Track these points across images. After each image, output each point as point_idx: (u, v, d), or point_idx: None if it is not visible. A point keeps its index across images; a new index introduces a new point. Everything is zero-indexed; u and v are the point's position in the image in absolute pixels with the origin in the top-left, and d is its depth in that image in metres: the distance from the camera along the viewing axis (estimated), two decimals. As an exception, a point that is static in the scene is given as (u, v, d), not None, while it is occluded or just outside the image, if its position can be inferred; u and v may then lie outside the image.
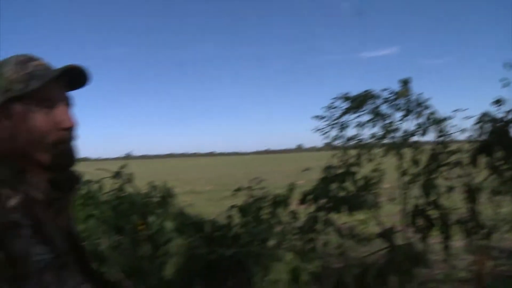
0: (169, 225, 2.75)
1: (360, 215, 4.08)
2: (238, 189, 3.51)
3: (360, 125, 3.83)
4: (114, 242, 2.73)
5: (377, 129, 3.82)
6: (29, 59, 1.10)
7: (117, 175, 2.93)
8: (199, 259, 2.75)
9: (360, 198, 3.50)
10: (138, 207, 2.89)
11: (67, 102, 1.11)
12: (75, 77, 1.11)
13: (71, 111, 1.11)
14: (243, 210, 3.35)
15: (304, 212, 3.77)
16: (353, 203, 3.51)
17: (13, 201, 1.03)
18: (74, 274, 1.17)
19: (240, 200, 3.51)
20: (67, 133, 1.08)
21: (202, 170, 34.96)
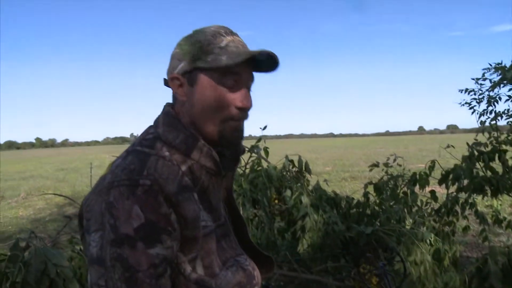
0: (305, 200, 2.71)
1: (506, 198, 3.73)
2: (374, 165, 3.37)
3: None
4: (250, 214, 2.77)
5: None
6: (226, 32, 1.11)
7: (253, 149, 2.96)
8: (336, 236, 2.69)
9: (510, 180, 3.16)
10: (274, 181, 2.90)
11: (249, 83, 1.13)
12: (265, 62, 1.11)
13: (250, 93, 1.13)
14: (379, 188, 3.23)
15: (443, 193, 3.53)
16: (501, 185, 3.18)
17: (184, 167, 1.07)
18: (233, 245, 1.19)
19: (362, 180, 3.38)
20: (240, 112, 1.10)
21: (321, 151, 34.88)
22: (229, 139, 1.13)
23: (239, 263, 1.17)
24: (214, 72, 1.06)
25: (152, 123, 1.17)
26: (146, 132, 1.13)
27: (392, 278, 1.89)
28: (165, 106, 1.16)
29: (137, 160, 1.01)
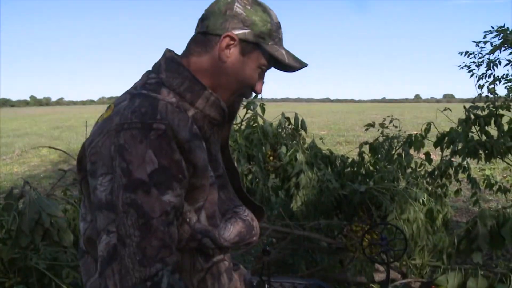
0: (300, 157, 2.72)
1: (500, 164, 3.76)
2: (370, 125, 3.36)
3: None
4: (245, 170, 2.78)
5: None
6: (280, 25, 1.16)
7: (249, 105, 2.94)
8: (330, 193, 2.71)
9: (504, 144, 3.16)
10: (269, 137, 2.90)
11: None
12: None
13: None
14: (374, 148, 3.23)
15: (437, 159, 3.54)
16: (495, 149, 3.19)
17: (189, 113, 1.07)
18: (231, 196, 1.23)
19: (357, 145, 3.38)
20: (249, 93, 1.18)
21: (316, 115, 34.86)
22: (234, 110, 1.23)
23: (238, 215, 1.20)
24: (263, 55, 1.11)
25: (150, 69, 1.15)
26: (147, 77, 1.11)
27: (393, 253, 1.91)
28: (166, 52, 1.14)
29: (147, 103, 0.99)
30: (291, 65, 1.12)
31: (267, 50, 1.10)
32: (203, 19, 1.11)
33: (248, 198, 1.32)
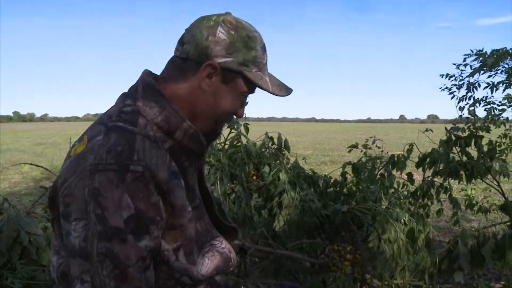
0: (283, 176, 2.72)
1: (481, 185, 3.80)
2: (353, 146, 3.39)
3: (492, 86, 3.48)
4: (228, 189, 2.77)
5: (511, 91, 3.46)
6: (265, 47, 1.11)
7: (232, 125, 2.94)
8: (312, 213, 2.71)
9: (485, 165, 3.20)
10: (252, 157, 2.90)
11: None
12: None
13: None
14: (357, 168, 3.25)
15: (420, 179, 3.58)
16: (476, 170, 3.23)
17: (167, 144, 1.04)
18: (207, 227, 1.19)
19: (340, 163, 3.40)
20: (231, 118, 1.16)
21: (302, 135, 35.02)
22: (216, 134, 1.21)
23: (215, 248, 1.18)
24: (246, 84, 1.08)
25: (125, 91, 1.10)
26: (122, 103, 1.06)
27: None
28: (144, 76, 1.10)
29: (123, 140, 0.94)
30: (275, 93, 1.08)
31: (250, 78, 1.06)
32: (183, 43, 1.07)
33: (220, 220, 1.29)
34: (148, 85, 1.06)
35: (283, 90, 1.11)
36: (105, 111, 1.08)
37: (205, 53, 1.03)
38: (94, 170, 0.89)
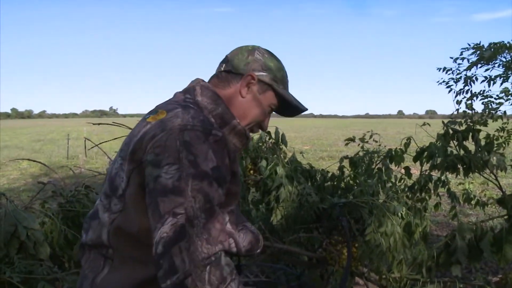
0: (280, 171, 2.73)
1: (478, 179, 3.81)
2: (350, 139, 3.39)
3: (490, 79, 3.48)
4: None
5: (508, 85, 3.45)
6: (287, 74, 1.40)
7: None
8: (310, 207, 2.71)
9: (482, 159, 3.20)
10: (250, 151, 2.91)
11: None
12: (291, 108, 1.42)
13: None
14: (354, 162, 3.25)
15: (417, 169, 3.58)
16: (473, 164, 3.23)
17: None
18: (239, 213, 1.46)
19: (337, 158, 3.40)
20: (257, 129, 1.41)
21: (300, 130, 35.00)
22: (246, 138, 1.38)
23: (247, 227, 1.43)
24: (276, 97, 1.34)
25: (180, 91, 1.33)
26: (184, 96, 1.28)
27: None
28: (199, 80, 1.33)
29: (201, 115, 1.15)
30: (298, 107, 1.36)
31: (279, 92, 1.33)
32: (227, 61, 1.33)
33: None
34: (205, 87, 1.29)
35: (301, 105, 1.38)
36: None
37: (246, 67, 1.31)
38: (183, 128, 1.08)
